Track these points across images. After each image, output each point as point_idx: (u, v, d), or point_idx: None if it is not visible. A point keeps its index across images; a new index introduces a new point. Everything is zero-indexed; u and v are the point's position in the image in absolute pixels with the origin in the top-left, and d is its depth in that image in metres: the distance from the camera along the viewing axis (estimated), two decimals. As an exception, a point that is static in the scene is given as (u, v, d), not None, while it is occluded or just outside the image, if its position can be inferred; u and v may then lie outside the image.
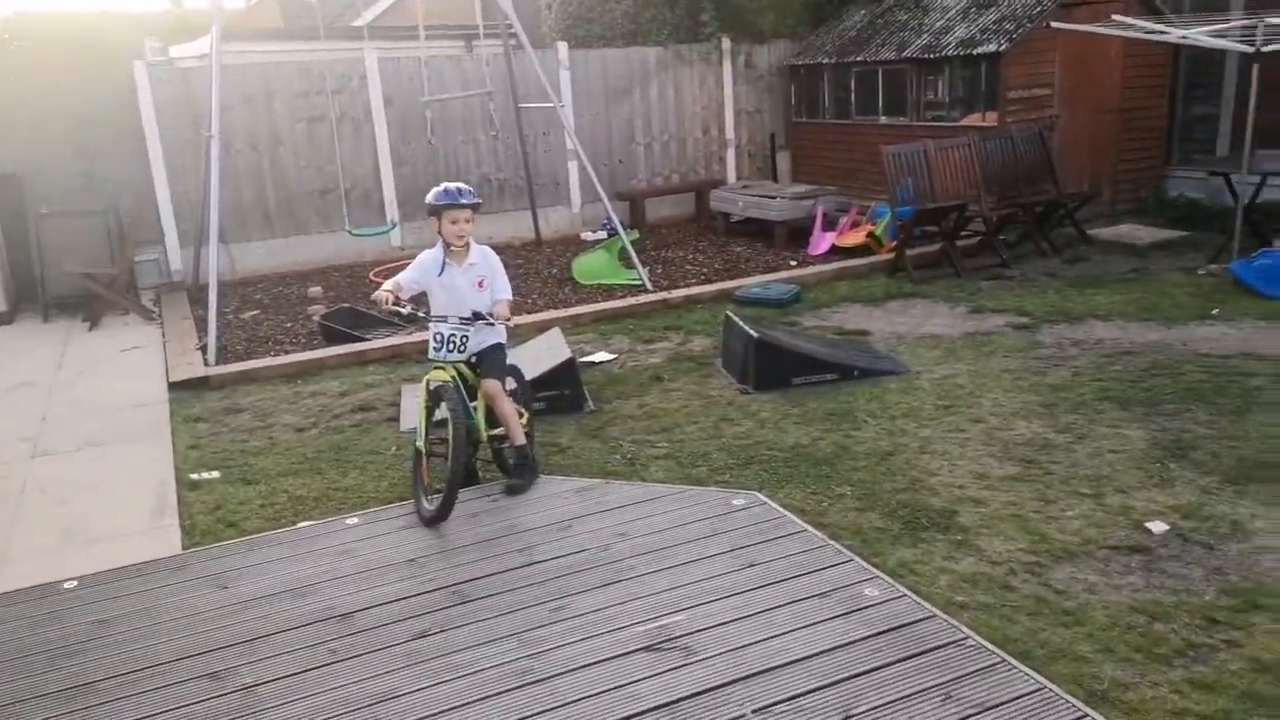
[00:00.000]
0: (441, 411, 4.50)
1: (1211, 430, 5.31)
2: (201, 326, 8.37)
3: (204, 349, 7.81)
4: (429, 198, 4.64)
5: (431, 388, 4.55)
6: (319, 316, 8.52)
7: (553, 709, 3.00)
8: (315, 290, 9.84)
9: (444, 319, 4.58)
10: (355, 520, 4.53)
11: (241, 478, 5.48)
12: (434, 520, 4.39)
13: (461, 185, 4.70)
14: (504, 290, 4.74)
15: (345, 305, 8.91)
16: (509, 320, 4.70)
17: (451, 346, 4.54)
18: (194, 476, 5.51)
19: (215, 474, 5.55)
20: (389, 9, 15.57)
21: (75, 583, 4.04)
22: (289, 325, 8.77)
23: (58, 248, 9.24)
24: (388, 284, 4.66)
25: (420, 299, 4.79)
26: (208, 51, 8.88)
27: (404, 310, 4.69)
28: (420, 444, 4.62)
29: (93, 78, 10.10)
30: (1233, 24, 8.96)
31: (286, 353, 7.89)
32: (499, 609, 3.62)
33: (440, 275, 4.68)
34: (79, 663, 3.45)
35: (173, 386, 7.14)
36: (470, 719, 2.99)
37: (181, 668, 3.37)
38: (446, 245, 4.66)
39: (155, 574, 4.09)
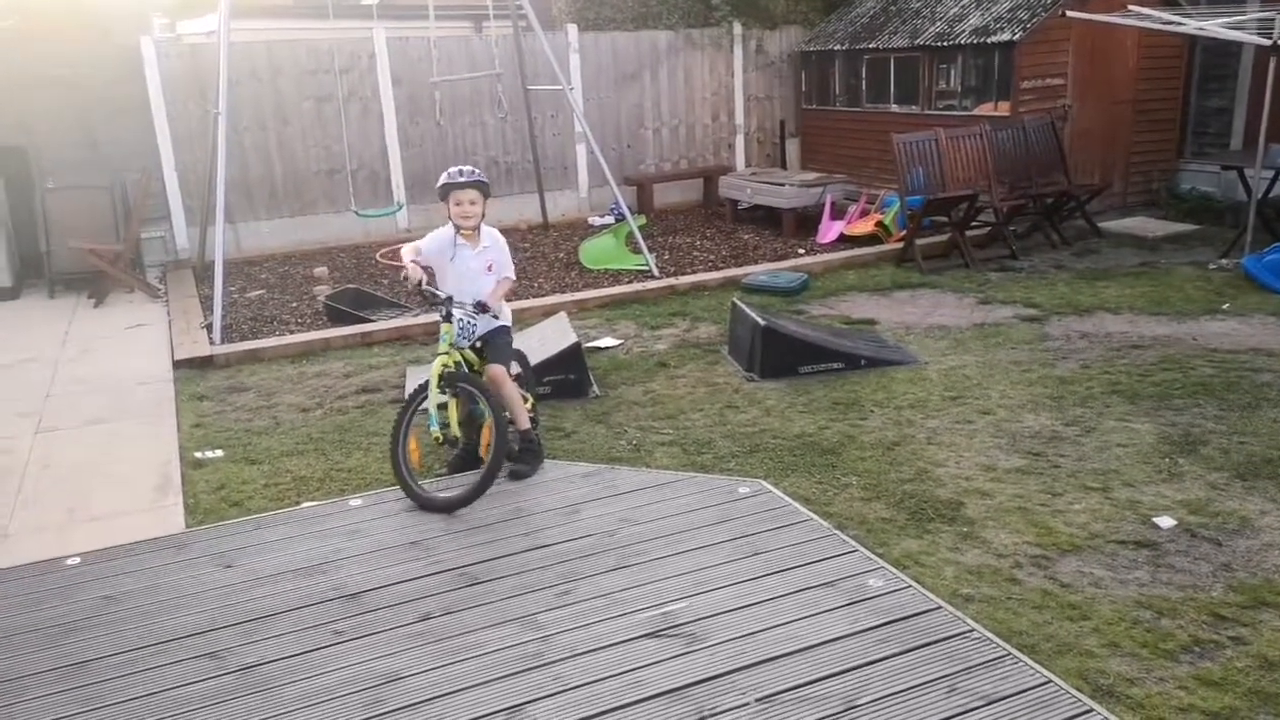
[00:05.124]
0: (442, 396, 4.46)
1: (1221, 425, 5.28)
2: (207, 305, 8.36)
3: (209, 327, 7.78)
4: (439, 182, 4.68)
5: (444, 375, 4.47)
6: (324, 297, 8.49)
7: (558, 693, 2.99)
8: (321, 270, 9.79)
9: (462, 305, 4.56)
10: (359, 501, 4.52)
11: (245, 457, 5.47)
12: (450, 506, 4.34)
13: (465, 167, 4.72)
14: (507, 268, 4.78)
15: (351, 286, 8.89)
16: (496, 312, 4.70)
17: (463, 334, 4.55)
18: (198, 455, 5.50)
19: (219, 453, 5.54)
20: (398, -12, 15.47)
21: (78, 559, 4.03)
22: (294, 305, 8.75)
23: (64, 223, 9.23)
24: (407, 248, 4.65)
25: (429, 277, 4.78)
26: (216, 28, 8.83)
27: (440, 295, 4.56)
28: (435, 431, 4.43)
29: (101, 53, 10.06)
30: (1250, 16, 8.87)
31: (291, 333, 7.87)
32: (506, 592, 3.61)
33: (453, 260, 4.68)
34: (80, 640, 3.44)
35: (177, 365, 7.12)
36: (476, 701, 2.98)
37: (183, 646, 3.36)
38: (458, 228, 4.66)
39: (159, 551, 4.09)
